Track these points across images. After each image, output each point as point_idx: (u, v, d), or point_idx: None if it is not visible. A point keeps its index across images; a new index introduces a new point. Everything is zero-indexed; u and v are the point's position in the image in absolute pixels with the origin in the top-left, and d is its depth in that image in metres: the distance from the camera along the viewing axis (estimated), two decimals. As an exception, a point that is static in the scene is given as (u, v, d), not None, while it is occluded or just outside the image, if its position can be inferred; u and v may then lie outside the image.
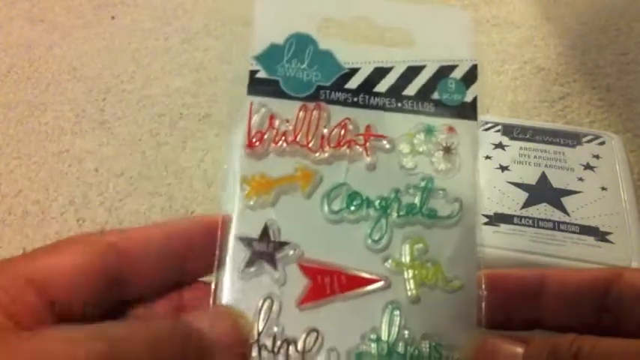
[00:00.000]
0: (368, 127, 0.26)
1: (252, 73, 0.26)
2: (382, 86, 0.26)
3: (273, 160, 0.25)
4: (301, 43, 0.26)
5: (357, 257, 0.24)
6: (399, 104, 0.26)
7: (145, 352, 0.19)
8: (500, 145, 0.47)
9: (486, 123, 0.49)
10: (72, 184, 0.52)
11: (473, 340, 0.23)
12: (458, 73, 0.26)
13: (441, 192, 0.25)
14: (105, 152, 0.55)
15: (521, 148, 0.47)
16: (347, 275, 0.24)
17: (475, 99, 0.26)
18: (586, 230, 0.41)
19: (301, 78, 0.26)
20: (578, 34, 0.68)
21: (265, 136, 0.25)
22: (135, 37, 0.67)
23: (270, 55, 0.26)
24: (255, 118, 0.25)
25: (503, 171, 0.45)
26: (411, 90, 0.26)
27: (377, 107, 0.26)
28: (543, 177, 0.45)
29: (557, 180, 0.44)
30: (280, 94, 0.26)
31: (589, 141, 0.48)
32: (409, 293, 0.24)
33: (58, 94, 0.61)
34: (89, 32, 0.67)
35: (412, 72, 0.26)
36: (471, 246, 0.25)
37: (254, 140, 0.25)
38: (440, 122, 0.26)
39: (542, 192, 0.43)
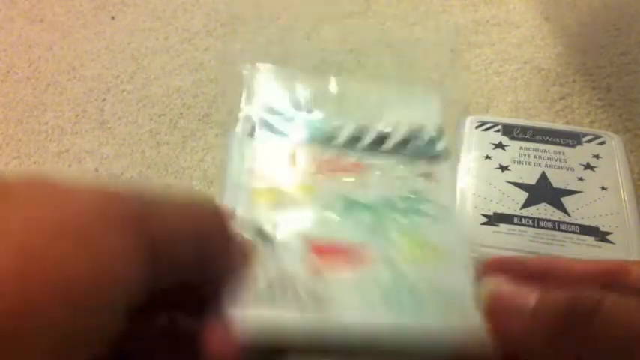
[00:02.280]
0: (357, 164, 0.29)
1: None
2: (360, 146, 0.30)
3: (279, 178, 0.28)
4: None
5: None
6: (379, 155, 0.30)
7: (184, 224, 0.18)
8: (500, 145, 0.47)
9: (486, 123, 0.49)
10: (72, 184, 0.52)
11: (486, 287, 0.23)
12: (426, 135, 0.31)
13: (428, 202, 0.28)
14: (105, 152, 0.55)
15: (521, 148, 0.47)
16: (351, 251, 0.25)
17: (446, 148, 0.30)
18: (586, 230, 0.41)
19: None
20: (578, 34, 0.67)
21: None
22: (135, 37, 0.67)
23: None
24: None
25: (503, 171, 0.45)
26: (387, 147, 0.30)
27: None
28: (543, 177, 0.45)
29: (557, 180, 0.44)
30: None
31: (589, 141, 0.48)
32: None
33: (57, 94, 0.60)
34: (89, 32, 0.67)
35: (384, 136, 0.30)
36: (465, 248, 0.26)
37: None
38: (417, 163, 0.30)
39: (542, 192, 0.44)
